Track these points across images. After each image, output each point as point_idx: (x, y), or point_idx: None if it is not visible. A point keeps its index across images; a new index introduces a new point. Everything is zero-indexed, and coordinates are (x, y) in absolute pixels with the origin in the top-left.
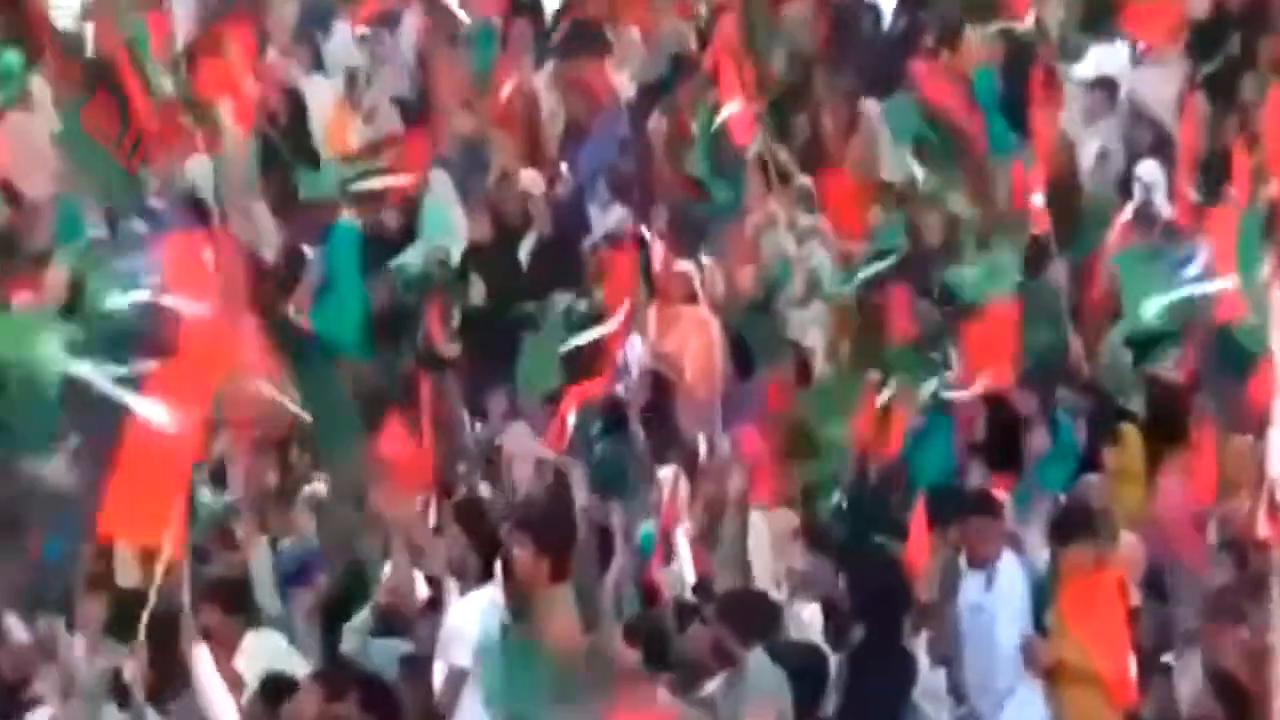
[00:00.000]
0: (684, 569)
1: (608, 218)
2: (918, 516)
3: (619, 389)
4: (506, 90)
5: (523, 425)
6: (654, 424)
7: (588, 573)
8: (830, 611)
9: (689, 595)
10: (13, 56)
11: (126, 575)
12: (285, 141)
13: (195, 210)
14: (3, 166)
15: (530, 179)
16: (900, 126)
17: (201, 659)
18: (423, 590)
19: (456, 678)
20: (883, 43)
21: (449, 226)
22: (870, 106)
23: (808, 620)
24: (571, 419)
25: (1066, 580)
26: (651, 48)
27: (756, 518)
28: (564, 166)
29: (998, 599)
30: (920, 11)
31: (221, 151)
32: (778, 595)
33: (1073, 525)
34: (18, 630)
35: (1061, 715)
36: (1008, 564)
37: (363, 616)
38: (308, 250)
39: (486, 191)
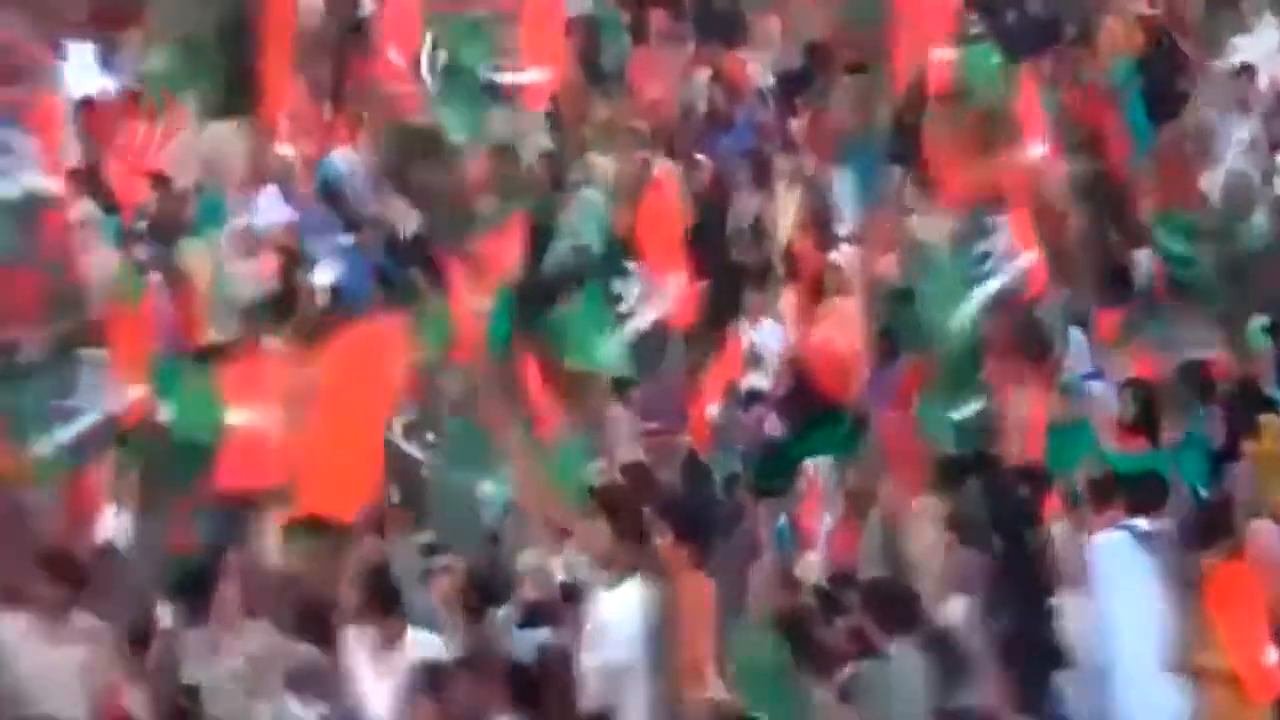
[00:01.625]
0: (825, 558)
1: (748, 207)
2: (1059, 502)
3: (757, 378)
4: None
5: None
6: (795, 413)
7: (729, 562)
8: (975, 600)
9: (830, 585)
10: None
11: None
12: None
13: (336, 199)
14: (160, 157)
15: (669, 167)
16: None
17: (355, 645)
18: (565, 579)
19: (615, 673)
20: (1026, 31)
21: (597, 215)
22: None
23: (952, 609)
24: (713, 409)
25: (1207, 575)
26: (788, 36)
27: (900, 507)
28: (703, 155)
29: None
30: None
31: (362, 142)
32: (921, 584)
33: (1215, 522)
34: (167, 617)
35: (1201, 709)
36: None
37: (507, 606)
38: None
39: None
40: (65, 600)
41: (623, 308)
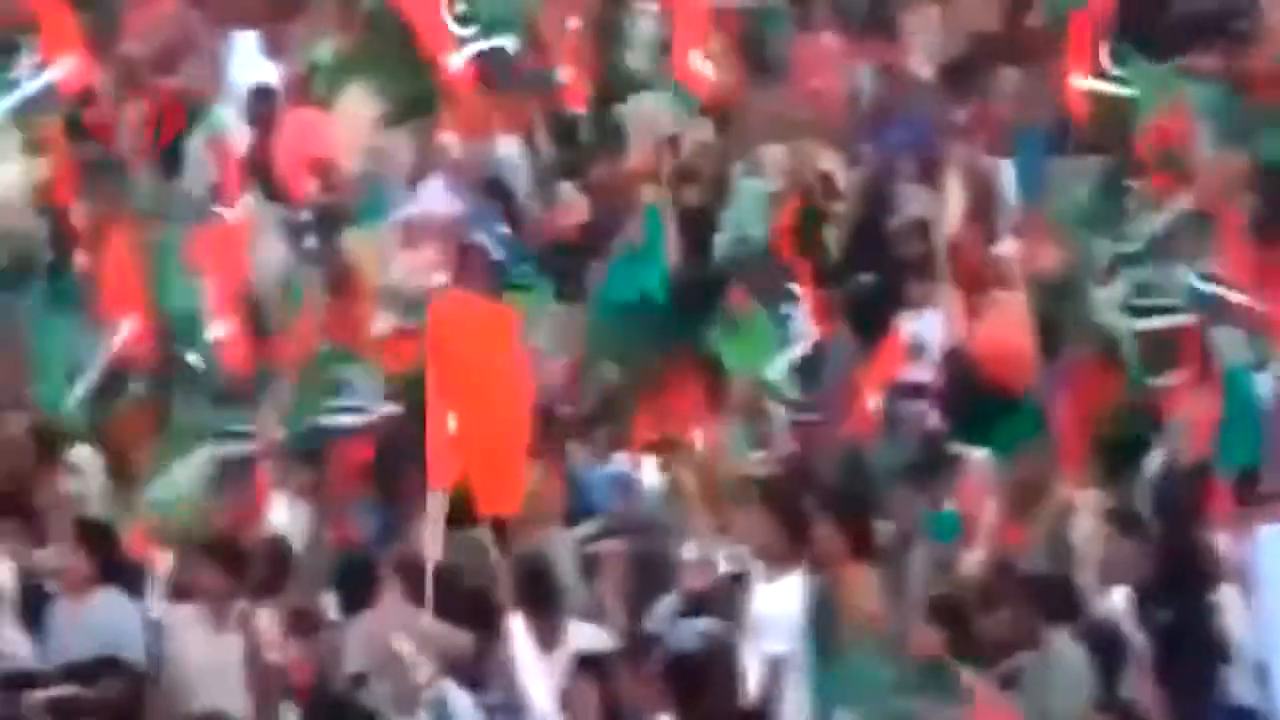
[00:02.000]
0: (986, 550)
1: (912, 201)
2: (1225, 498)
3: (919, 370)
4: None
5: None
6: (958, 406)
7: (889, 553)
8: (1138, 593)
9: (991, 575)
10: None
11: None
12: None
13: (500, 190)
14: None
15: (832, 160)
16: (1213, 111)
17: (517, 634)
18: (729, 570)
19: (775, 664)
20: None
21: (757, 206)
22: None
23: (1115, 602)
24: (874, 401)
25: None
26: (950, 26)
27: (1064, 499)
28: (867, 148)
29: None
30: None
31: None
32: (1085, 576)
33: None
34: (332, 610)
35: None
36: None
37: (669, 597)
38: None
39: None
40: (231, 590)
41: (789, 331)
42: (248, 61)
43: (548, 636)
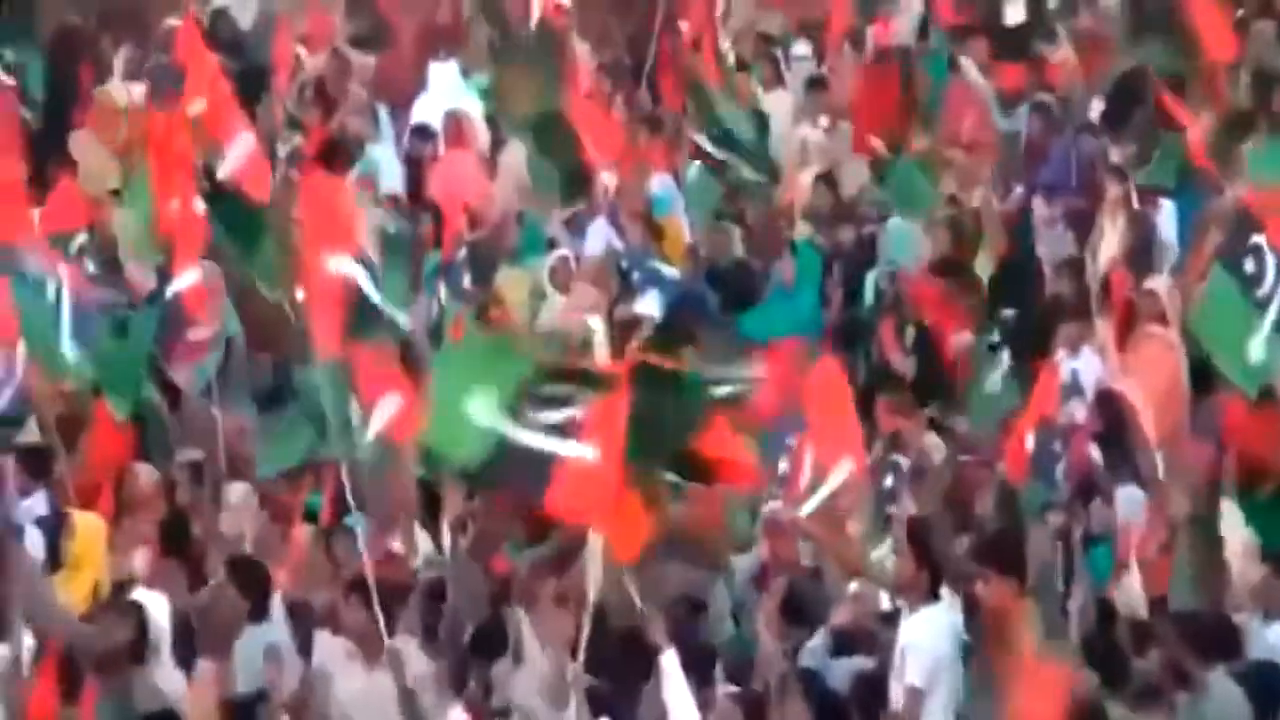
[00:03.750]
0: (1140, 589)
1: (1065, 237)
2: None
3: (1074, 409)
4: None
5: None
6: (1111, 444)
7: (1049, 593)
8: None
9: (1146, 615)
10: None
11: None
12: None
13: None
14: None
15: (982, 196)
16: None
17: (670, 665)
18: (881, 607)
19: (914, 696)
20: None
21: (909, 243)
22: None
23: (1273, 641)
24: (1029, 439)
25: None
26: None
27: (1220, 537)
28: (1019, 185)
29: None
30: None
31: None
32: (1243, 614)
33: None
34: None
35: None
36: None
37: (820, 632)
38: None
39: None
40: (383, 625)
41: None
42: (446, 90)
43: (696, 672)
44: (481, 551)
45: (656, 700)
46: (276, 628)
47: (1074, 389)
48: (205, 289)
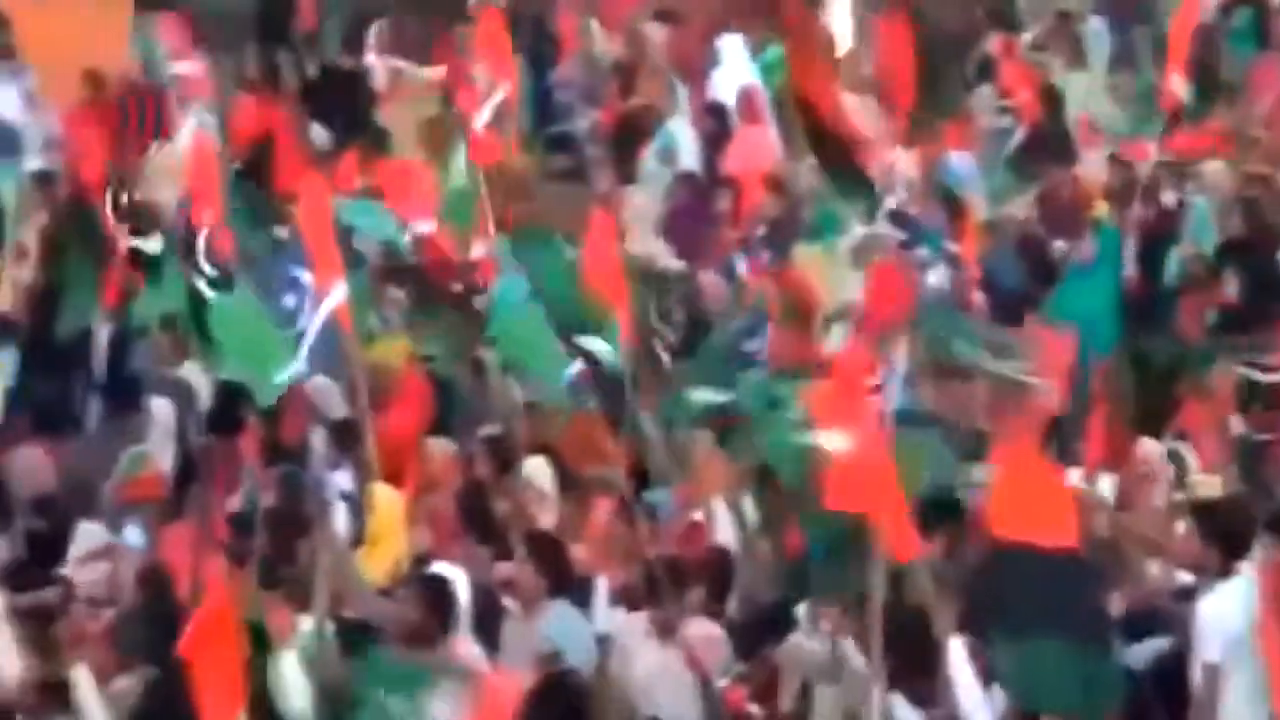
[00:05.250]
0: None
1: None
2: None
3: None
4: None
5: None
6: None
7: None
8: None
9: None
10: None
11: None
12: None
13: (951, 205)
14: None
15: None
16: None
17: (957, 658)
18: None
19: (1211, 673)
20: None
21: (1209, 224)
22: None
23: None
24: None
25: None
26: None
27: None
28: None
29: None
30: None
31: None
32: None
33: None
34: None
35: None
36: None
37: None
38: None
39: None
40: (679, 603)
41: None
42: (733, 68)
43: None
44: (773, 531)
45: (945, 686)
46: (575, 603)
47: None
48: None
